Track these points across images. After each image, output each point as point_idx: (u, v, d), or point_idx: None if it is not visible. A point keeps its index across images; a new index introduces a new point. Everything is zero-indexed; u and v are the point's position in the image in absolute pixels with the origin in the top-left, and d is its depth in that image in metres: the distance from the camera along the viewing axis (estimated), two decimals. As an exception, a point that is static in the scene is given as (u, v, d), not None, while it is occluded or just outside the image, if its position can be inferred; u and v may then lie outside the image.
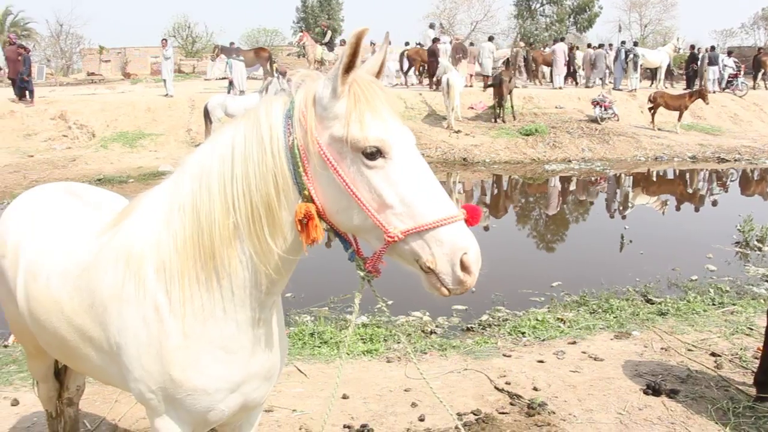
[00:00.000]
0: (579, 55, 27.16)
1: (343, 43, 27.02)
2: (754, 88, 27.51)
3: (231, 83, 21.89)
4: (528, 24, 51.63)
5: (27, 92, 20.57)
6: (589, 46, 29.64)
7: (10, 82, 21.39)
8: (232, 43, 27.73)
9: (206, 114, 18.32)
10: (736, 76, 26.88)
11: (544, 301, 8.08)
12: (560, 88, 25.27)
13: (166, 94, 22.19)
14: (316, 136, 2.03)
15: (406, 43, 30.20)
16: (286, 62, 27.04)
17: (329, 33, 26.67)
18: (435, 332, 7.07)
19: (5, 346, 6.67)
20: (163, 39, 25.66)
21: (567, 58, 26.31)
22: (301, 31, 25.98)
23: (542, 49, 30.08)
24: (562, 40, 29.46)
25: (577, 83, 26.90)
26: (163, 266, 2.36)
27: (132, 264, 2.42)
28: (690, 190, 17.13)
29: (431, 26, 30.00)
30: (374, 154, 1.98)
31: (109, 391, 5.08)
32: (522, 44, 29.88)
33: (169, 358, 2.37)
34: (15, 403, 5.08)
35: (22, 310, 3.01)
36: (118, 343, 2.49)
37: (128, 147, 18.89)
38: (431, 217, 1.95)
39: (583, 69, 26.59)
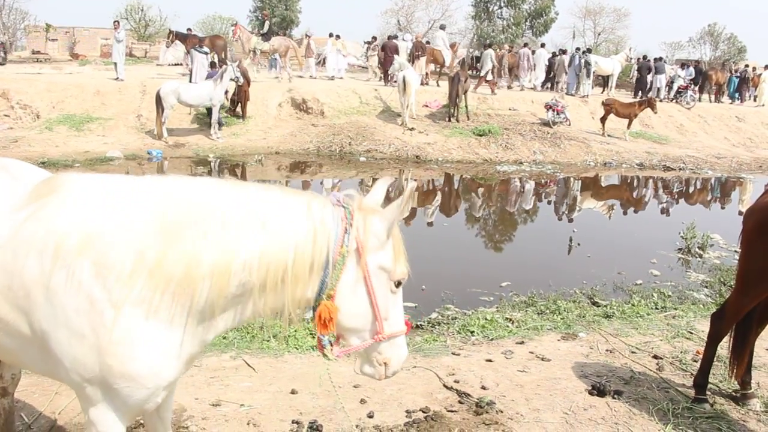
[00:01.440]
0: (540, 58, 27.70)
1: (282, 34, 26.99)
2: (699, 100, 28.30)
3: (190, 73, 21.18)
4: (485, 26, 52.03)
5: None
6: (542, 46, 30.26)
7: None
8: (189, 30, 27.16)
9: (158, 100, 17.93)
10: (686, 87, 27.58)
11: (493, 301, 8.14)
12: (534, 88, 25.83)
13: (117, 78, 21.64)
14: (367, 260, 2.54)
15: (373, 38, 30.26)
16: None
17: (267, 23, 26.51)
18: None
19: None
20: (115, 21, 25.04)
21: (533, 62, 27.00)
22: (234, 25, 25.81)
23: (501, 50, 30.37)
24: (526, 45, 29.83)
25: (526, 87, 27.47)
26: (109, 265, 2.35)
27: (64, 255, 2.37)
28: (636, 196, 17.54)
29: (442, 27, 29.95)
30: (400, 283, 2.66)
31: (49, 382, 4.92)
32: (507, 47, 30.14)
33: (108, 350, 2.35)
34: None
35: None
36: (44, 329, 2.43)
37: (75, 130, 18.34)
38: (401, 327, 2.72)
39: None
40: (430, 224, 13.22)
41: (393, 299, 2.66)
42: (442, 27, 29.99)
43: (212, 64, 21.14)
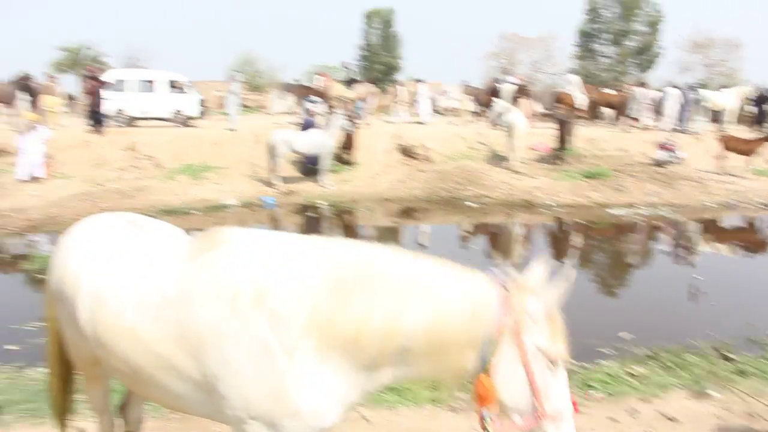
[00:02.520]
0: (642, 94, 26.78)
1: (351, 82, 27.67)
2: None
3: (306, 124, 21.38)
4: (588, 64, 51.31)
5: (99, 123, 21.24)
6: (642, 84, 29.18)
7: (85, 113, 22.07)
8: (296, 80, 28.32)
9: (270, 149, 18.61)
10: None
11: (612, 353, 7.81)
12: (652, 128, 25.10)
13: (231, 128, 22.64)
14: (523, 339, 2.59)
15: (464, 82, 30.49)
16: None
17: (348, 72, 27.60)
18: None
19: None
20: (231, 74, 26.36)
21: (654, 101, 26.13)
22: (322, 75, 26.84)
23: (607, 89, 29.67)
24: (643, 84, 28.73)
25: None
26: (283, 317, 2.57)
27: (240, 306, 2.60)
28: (762, 239, 16.56)
29: (573, 72, 30.04)
30: (556, 362, 2.64)
31: (174, 426, 5.11)
32: (635, 84, 29.23)
33: (279, 392, 2.57)
34: (82, 432, 5.15)
35: (86, 335, 3.08)
36: (215, 374, 2.65)
37: (193, 179, 19.28)
38: (565, 408, 2.67)
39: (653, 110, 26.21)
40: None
41: (553, 378, 2.65)
42: (573, 72, 29.67)
43: (307, 111, 21.48)
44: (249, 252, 2.75)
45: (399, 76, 48.89)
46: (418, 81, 27.78)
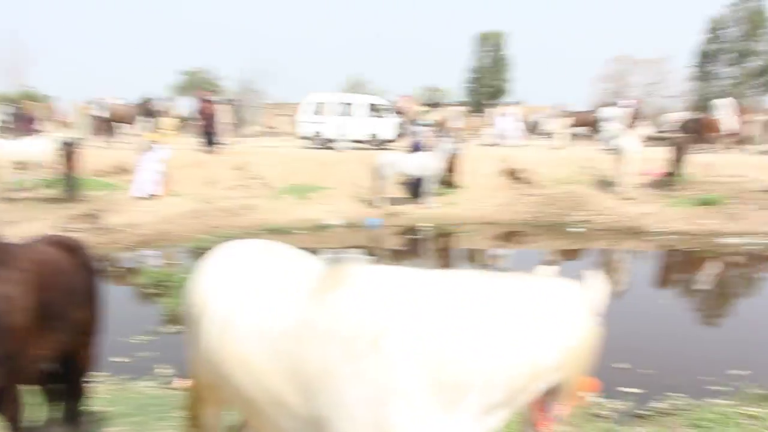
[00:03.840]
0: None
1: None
2: None
3: (414, 146, 21.36)
4: (704, 86, 49.23)
5: (212, 143, 22.17)
6: None
7: (199, 133, 23.04)
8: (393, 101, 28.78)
9: (376, 171, 18.78)
10: None
11: (726, 391, 7.27)
12: None
13: (338, 150, 23.02)
14: None
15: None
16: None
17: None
18: (601, 415, 6.53)
19: (171, 388, 6.94)
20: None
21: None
22: (401, 97, 27.15)
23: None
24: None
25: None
26: (398, 361, 2.45)
27: (354, 348, 2.50)
28: None
29: (722, 98, 29.16)
30: None
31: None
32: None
33: None
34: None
35: (205, 359, 3.10)
36: (326, 416, 2.55)
37: (299, 199, 19.72)
38: None
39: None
40: (647, 301, 12.35)
41: None
42: (723, 96, 28.59)
43: (415, 134, 21.51)
44: (371, 292, 2.65)
45: (505, 99, 48.52)
46: (510, 104, 27.54)
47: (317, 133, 24.99)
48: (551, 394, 2.66)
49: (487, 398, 2.47)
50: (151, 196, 18.49)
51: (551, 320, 2.52)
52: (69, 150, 17.93)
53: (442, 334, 2.45)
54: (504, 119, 27.17)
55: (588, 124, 26.96)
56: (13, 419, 3.85)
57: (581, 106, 31.81)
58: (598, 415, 6.51)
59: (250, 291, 2.99)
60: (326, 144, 25.03)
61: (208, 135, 22.21)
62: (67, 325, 4.15)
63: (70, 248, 4.39)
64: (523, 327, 2.49)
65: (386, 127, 26.05)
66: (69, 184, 17.97)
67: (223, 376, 2.99)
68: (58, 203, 17.39)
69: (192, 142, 23.94)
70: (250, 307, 2.92)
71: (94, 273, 4.59)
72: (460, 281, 2.66)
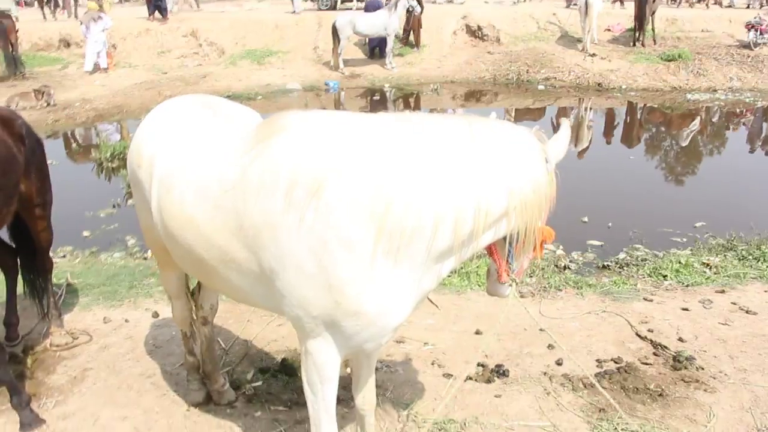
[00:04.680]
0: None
1: None
2: None
3: (369, 4, 20.07)
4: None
5: (160, 10, 20.89)
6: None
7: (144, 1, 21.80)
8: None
9: (334, 32, 18.17)
10: None
11: (686, 243, 7.55)
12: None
13: (293, 12, 22.14)
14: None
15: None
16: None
17: None
18: (569, 267, 6.75)
19: (145, 259, 6.97)
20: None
21: None
22: None
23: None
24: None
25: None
26: (340, 208, 2.34)
27: (295, 197, 2.39)
28: None
29: None
30: None
31: (241, 309, 5.21)
32: None
33: (338, 288, 2.38)
34: (155, 315, 5.33)
35: (156, 222, 3.05)
36: (272, 268, 2.50)
37: (256, 64, 19.16)
38: None
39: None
40: (613, 157, 12.54)
41: None
42: None
43: None
44: (308, 139, 2.50)
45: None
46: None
47: None
48: (511, 244, 2.62)
49: (433, 244, 2.37)
50: (101, 69, 17.76)
51: (500, 163, 2.39)
52: (3, 24, 16.52)
53: (386, 179, 2.32)
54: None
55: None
56: None
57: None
58: (565, 267, 6.73)
59: (191, 149, 2.89)
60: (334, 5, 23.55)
61: (154, 1, 20.86)
62: (10, 197, 4.01)
63: (5, 121, 4.19)
64: (469, 168, 2.36)
65: None
66: (9, 61, 17.02)
67: (172, 238, 2.93)
68: (1, 82, 16.55)
69: (136, 11, 22.78)
70: (192, 166, 2.82)
71: (33, 144, 4.37)
72: (403, 124, 2.49)
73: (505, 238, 2.61)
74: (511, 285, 2.82)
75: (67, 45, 19.54)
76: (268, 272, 2.55)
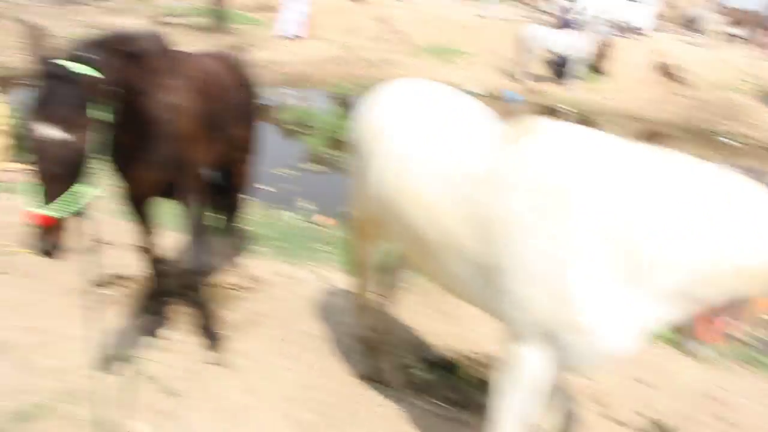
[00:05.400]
0: None
1: None
2: None
3: (563, 23, 19.71)
4: None
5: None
6: None
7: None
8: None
9: (521, 43, 17.93)
10: None
11: None
12: None
13: (481, 15, 22.03)
14: None
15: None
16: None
17: None
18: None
19: (315, 225, 7.14)
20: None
21: None
22: None
23: None
24: None
25: None
26: (586, 221, 2.30)
27: (542, 199, 2.38)
28: None
29: None
30: None
31: (410, 299, 5.15)
32: None
33: (566, 299, 2.34)
34: (324, 280, 5.39)
35: (373, 194, 3.09)
36: (500, 265, 2.49)
37: (438, 60, 19.26)
38: None
39: None
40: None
41: None
42: None
43: (563, 10, 20.11)
44: (562, 145, 2.49)
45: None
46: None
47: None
48: (726, 306, 2.41)
49: (674, 282, 2.25)
50: (295, 37, 18.48)
51: (756, 222, 2.19)
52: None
53: (638, 203, 2.25)
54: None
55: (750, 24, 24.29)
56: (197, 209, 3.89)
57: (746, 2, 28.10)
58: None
59: (430, 132, 2.90)
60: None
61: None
62: (227, 138, 4.17)
63: (232, 65, 4.37)
64: (727, 220, 2.19)
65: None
66: (218, 15, 18.16)
67: (395, 213, 2.96)
68: (206, 32, 17.69)
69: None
70: (432, 150, 2.83)
71: (253, 92, 4.60)
72: (658, 156, 2.37)
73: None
74: (703, 344, 2.66)
75: (265, 8, 20.52)
76: (493, 267, 2.53)
